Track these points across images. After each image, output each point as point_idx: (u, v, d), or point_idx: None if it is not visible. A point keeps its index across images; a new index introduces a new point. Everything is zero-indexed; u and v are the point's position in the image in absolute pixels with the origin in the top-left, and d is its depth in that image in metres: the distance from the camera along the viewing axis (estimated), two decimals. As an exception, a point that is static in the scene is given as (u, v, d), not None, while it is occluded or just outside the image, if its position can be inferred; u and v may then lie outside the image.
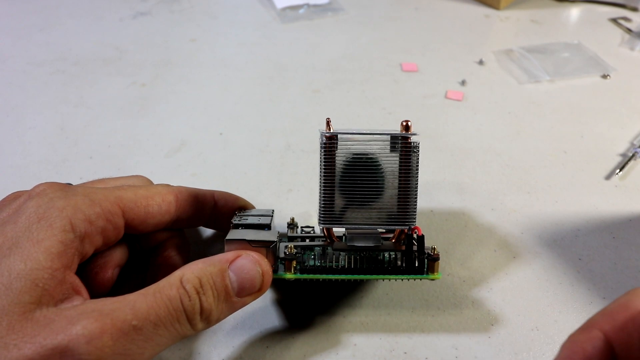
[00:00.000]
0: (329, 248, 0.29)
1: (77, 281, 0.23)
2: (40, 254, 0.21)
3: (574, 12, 0.64)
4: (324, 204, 0.27)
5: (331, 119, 0.27)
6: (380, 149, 0.27)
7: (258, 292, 0.25)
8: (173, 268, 0.28)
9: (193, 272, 0.23)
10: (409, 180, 0.27)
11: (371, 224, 0.28)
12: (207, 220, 0.31)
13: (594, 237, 0.34)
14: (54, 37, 0.55)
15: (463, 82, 0.50)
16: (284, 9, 0.61)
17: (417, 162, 0.27)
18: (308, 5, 0.62)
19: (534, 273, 0.32)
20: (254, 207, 0.32)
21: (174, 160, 0.40)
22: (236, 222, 0.29)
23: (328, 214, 0.27)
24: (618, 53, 0.55)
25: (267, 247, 0.27)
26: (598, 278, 0.32)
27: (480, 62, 0.53)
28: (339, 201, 0.27)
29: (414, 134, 0.27)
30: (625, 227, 0.35)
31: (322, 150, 0.27)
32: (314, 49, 0.55)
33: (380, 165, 0.27)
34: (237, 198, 0.32)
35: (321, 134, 0.27)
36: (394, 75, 0.51)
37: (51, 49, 0.53)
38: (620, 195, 0.38)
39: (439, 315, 0.29)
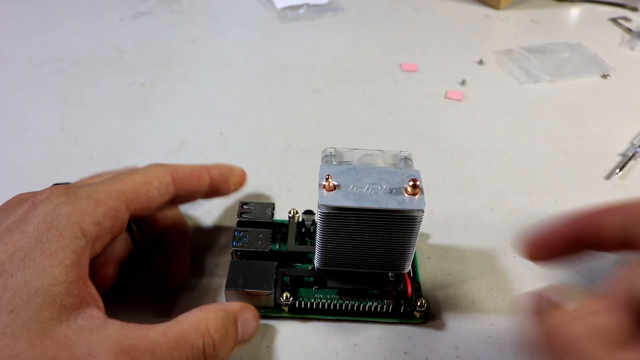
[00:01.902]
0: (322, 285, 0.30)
1: (92, 290, 0.23)
2: (55, 267, 0.21)
3: (574, 12, 0.64)
4: (320, 254, 0.28)
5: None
6: (381, 204, 0.25)
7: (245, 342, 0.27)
8: (176, 257, 0.30)
9: (216, 318, 0.24)
10: (410, 241, 0.27)
11: (366, 268, 0.28)
12: (205, 194, 0.31)
13: (594, 237, 0.34)
14: (54, 37, 0.55)
15: (463, 82, 0.50)
16: (284, 9, 0.61)
17: (420, 225, 0.26)
18: (308, 5, 0.62)
19: (534, 273, 0.32)
20: (245, 176, 0.33)
21: (174, 161, 0.40)
22: (236, 247, 0.30)
23: (325, 260, 0.28)
24: (618, 53, 0.55)
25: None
26: (598, 278, 0.32)
27: (480, 62, 0.53)
28: (336, 249, 0.27)
29: (421, 205, 0.25)
30: (625, 227, 0.35)
31: (321, 221, 0.26)
32: (314, 49, 0.55)
33: (380, 222, 0.26)
34: (232, 170, 0.32)
35: (320, 204, 0.25)
36: (394, 75, 0.51)
37: (51, 49, 0.53)
38: (620, 195, 0.38)
39: (439, 316, 0.29)
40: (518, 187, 0.38)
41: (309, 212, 0.33)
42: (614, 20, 0.62)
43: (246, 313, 0.26)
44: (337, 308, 0.29)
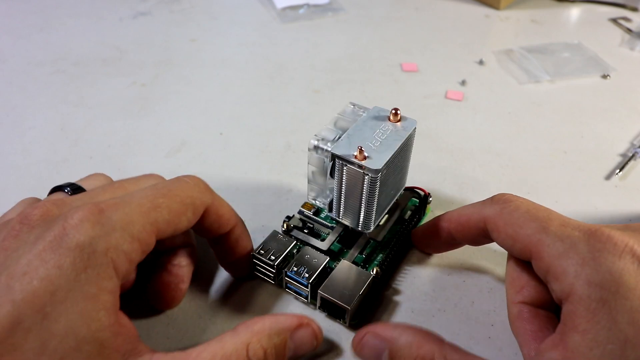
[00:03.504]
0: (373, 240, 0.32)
1: (127, 322, 0.23)
2: (99, 312, 0.21)
3: (574, 12, 0.64)
4: (368, 218, 0.29)
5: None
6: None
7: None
8: (172, 284, 0.28)
9: (260, 341, 0.23)
10: (410, 156, 0.31)
11: (389, 203, 0.32)
12: (212, 240, 0.29)
13: (594, 237, 0.34)
14: (54, 37, 0.55)
15: (463, 82, 0.50)
16: (284, 9, 0.61)
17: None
18: (308, 5, 0.62)
19: (534, 273, 0.32)
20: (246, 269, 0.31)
21: (174, 160, 0.40)
22: (320, 286, 0.28)
23: (373, 221, 0.30)
24: (618, 53, 0.55)
25: None
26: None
27: (480, 62, 0.53)
28: (377, 204, 0.29)
29: (414, 122, 0.30)
30: (625, 227, 0.35)
31: (370, 184, 0.27)
32: (314, 49, 0.55)
33: (398, 154, 0.29)
34: (248, 243, 0.30)
35: (366, 168, 0.27)
36: (394, 75, 0.51)
37: (51, 49, 0.53)
38: (620, 195, 0.38)
39: (439, 315, 0.29)
40: (518, 187, 0.38)
41: (289, 217, 0.33)
42: (614, 21, 0.62)
43: (303, 330, 0.25)
44: (396, 244, 0.32)
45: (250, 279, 0.31)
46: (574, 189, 0.38)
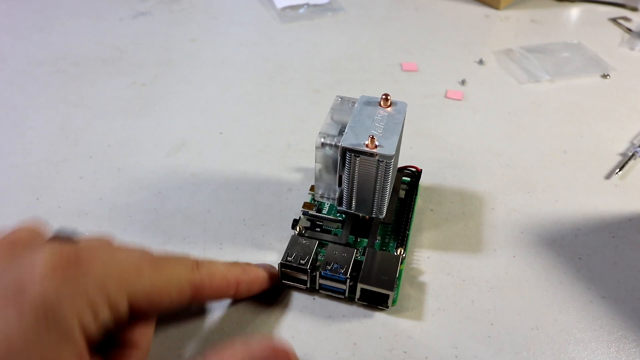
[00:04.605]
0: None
1: None
2: None
3: (574, 12, 0.64)
4: (381, 202, 0.30)
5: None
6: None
7: None
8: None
9: None
10: (401, 140, 0.32)
11: (394, 183, 0.33)
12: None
13: (593, 236, 0.34)
14: (54, 37, 0.55)
15: (463, 82, 0.50)
16: (284, 8, 0.61)
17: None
18: (308, 5, 0.62)
19: (533, 273, 0.32)
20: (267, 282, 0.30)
21: (174, 160, 0.40)
22: (351, 277, 0.28)
23: (384, 206, 0.30)
24: (618, 53, 0.55)
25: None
26: (598, 277, 0.32)
27: (480, 62, 0.53)
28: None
29: (405, 104, 0.31)
30: (625, 226, 0.35)
31: (384, 169, 0.28)
32: (314, 49, 0.55)
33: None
34: (262, 283, 0.29)
35: (380, 155, 0.27)
36: (394, 75, 0.51)
37: (51, 49, 0.53)
38: (620, 194, 0.38)
39: (439, 315, 0.29)
40: (518, 187, 0.38)
41: (297, 220, 0.33)
42: (614, 20, 0.62)
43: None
44: (403, 222, 0.33)
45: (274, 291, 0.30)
46: (574, 189, 0.38)
